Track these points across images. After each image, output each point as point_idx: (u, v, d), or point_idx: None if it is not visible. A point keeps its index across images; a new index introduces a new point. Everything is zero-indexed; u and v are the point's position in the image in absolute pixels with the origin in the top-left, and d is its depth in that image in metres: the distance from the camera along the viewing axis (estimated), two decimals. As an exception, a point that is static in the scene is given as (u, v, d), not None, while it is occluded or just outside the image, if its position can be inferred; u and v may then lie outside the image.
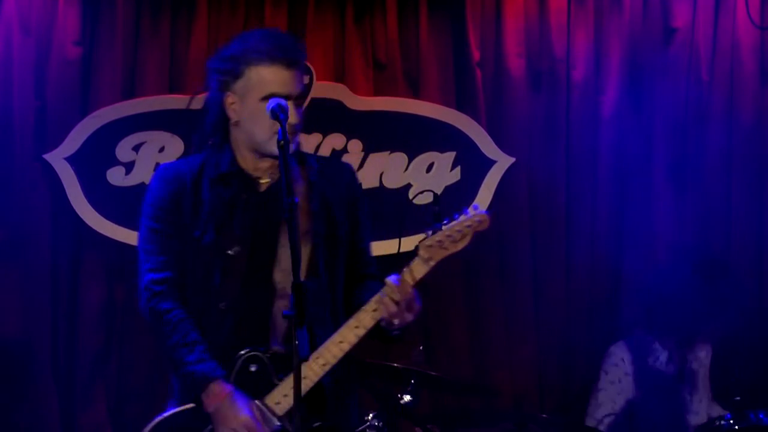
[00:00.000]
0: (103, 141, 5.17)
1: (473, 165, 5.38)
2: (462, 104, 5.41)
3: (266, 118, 3.39)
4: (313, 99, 5.25)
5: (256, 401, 3.36)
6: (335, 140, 5.32)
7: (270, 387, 3.40)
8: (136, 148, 5.20)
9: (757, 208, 5.46)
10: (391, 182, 5.36)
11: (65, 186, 5.14)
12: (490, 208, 5.27)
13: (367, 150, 5.34)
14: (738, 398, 4.24)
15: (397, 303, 3.35)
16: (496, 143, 5.40)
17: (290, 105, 3.39)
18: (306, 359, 2.96)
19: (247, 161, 3.53)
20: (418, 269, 3.38)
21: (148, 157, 5.19)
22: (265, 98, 3.39)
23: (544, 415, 4.86)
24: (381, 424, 4.26)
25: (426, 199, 5.14)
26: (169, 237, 3.49)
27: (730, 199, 5.49)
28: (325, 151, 5.29)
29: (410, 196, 5.29)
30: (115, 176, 5.19)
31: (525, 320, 5.40)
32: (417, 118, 5.37)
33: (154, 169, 3.78)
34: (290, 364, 3.24)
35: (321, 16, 5.34)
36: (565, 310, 5.42)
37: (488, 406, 5.18)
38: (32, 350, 5.09)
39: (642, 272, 5.24)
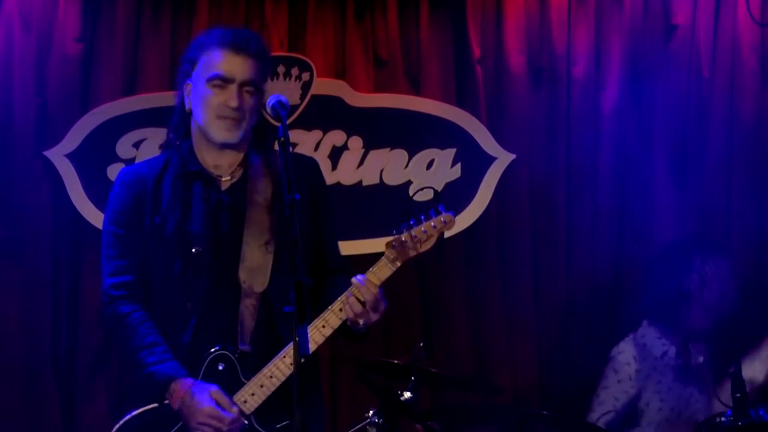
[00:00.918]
0: (104, 138, 5.17)
1: (474, 162, 5.38)
2: (462, 101, 5.41)
3: (208, 100, 3.46)
4: (313, 95, 5.25)
5: (213, 388, 3.39)
6: (336, 137, 5.32)
7: (238, 386, 3.43)
8: (137, 145, 5.20)
9: (758, 204, 5.45)
10: (392, 179, 5.35)
11: (66, 183, 5.13)
12: (491, 205, 5.36)
13: (368, 147, 5.34)
14: (738, 395, 4.23)
15: (362, 303, 3.39)
16: (497, 140, 5.39)
17: (232, 88, 3.46)
18: (307, 355, 2.97)
19: (206, 158, 3.56)
20: (384, 270, 3.44)
21: (149, 154, 5.12)
22: (210, 80, 3.49)
23: (544, 412, 4.86)
24: (381, 420, 4.26)
25: (426, 195, 5.11)
26: (130, 241, 3.53)
27: (730, 196, 5.48)
28: (325, 148, 5.29)
29: (410, 193, 5.29)
30: (116, 173, 5.14)
31: (525, 317, 5.39)
32: (417, 114, 5.37)
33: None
34: (257, 363, 3.35)
35: (321, 12, 5.33)
36: (565, 307, 5.42)
37: (489, 403, 5.19)
38: (33, 347, 5.09)
39: (643, 268, 5.23)
